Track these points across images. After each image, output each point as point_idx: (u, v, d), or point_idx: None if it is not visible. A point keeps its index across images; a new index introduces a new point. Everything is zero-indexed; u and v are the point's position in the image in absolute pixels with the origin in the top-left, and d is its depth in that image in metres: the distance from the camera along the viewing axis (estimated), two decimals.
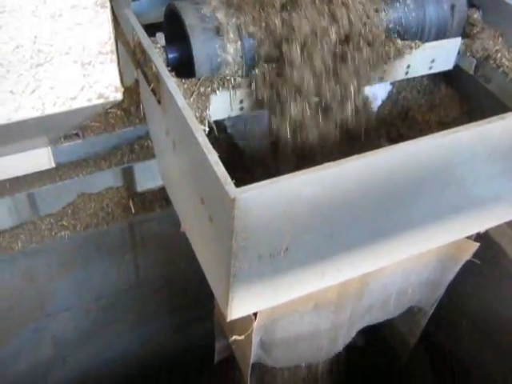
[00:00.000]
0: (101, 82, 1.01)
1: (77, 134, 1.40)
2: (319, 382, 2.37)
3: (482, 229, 1.27)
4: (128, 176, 1.60)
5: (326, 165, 0.86)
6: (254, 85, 1.13)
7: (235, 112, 1.18)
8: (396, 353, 1.92)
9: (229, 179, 0.82)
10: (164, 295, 1.96)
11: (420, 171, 0.98)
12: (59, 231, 1.56)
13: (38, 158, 1.23)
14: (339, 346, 1.58)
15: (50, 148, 1.26)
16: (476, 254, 1.49)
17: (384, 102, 1.51)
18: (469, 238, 1.42)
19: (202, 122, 1.08)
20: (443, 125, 1.47)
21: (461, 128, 0.97)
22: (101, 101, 1.03)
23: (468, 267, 1.54)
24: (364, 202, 0.96)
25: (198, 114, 1.08)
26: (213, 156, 0.85)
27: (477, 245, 1.44)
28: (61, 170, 1.50)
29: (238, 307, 1.00)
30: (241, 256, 0.90)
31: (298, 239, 0.94)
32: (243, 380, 1.56)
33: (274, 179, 0.83)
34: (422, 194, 1.04)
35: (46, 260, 1.62)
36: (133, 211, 1.61)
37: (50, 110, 0.98)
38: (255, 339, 1.36)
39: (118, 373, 2.17)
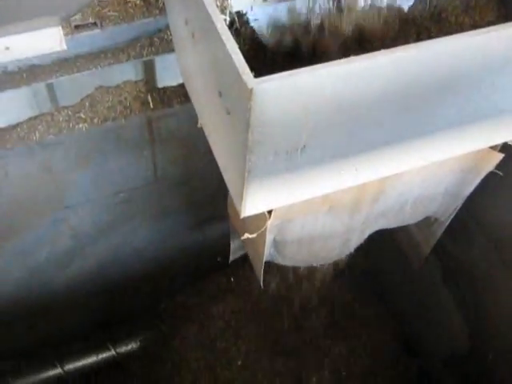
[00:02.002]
0: None
1: (95, 24, 1.36)
2: (330, 285, 2.43)
3: (508, 139, 1.23)
4: (148, 70, 1.56)
5: (351, 59, 0.82)
6: None
7: (258, 2, 1.12)
8: (409, 260, 1.93)
9: (247, 69, 0.79)
10: (181, 193, 1.97)
11: (449, 72, 0.93)
12: (77, 124, 1.54)
13: (49, 39, 1.20)
14: (351, 248, 1.60)
15: (60, 28, 1.22)
16: (499, 166, 1.46)
17: (416, 2, 1.43)
18: (493, 148, 1.38)
19: (222, 11, 1.04)
20: (477, 28, 1.39)
21: (494, 28, 0.91)
22: None
23: (489, 180, 1.51)
24: (388, 102, 0.93)
25: (218, 3, 1.03)
26: (231, 44, 0.82)
27: (501, 156, 1.40)
28: (78, 61, 1.47)
29: (252, 204, 0.99)
30: (256, 151, 0.88)
31: (316, 137, 0.91)
32: (256, 278, 1.60)
33: (295, 71, 0.79)
34: (448, 98, 1.00)
35: (64, 152, 1.62)
36: (151, 106, 1.58)
37: None
38: (269, 238, 1.37)
39: (134, 268, 2.23)
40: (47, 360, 2.36)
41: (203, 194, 2.01)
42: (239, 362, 2.36)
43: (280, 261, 1.55)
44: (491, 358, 1.96)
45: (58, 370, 2.32)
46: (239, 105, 0.84)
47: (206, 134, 1.16)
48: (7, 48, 1.21)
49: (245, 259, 2.47)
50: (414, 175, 1.37)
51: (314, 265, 1.64)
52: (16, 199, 1.68)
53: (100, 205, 1.84)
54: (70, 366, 2.34)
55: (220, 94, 0.94)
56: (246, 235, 1.24)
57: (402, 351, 2.47)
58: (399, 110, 0.96)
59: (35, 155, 1.59)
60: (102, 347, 2.39)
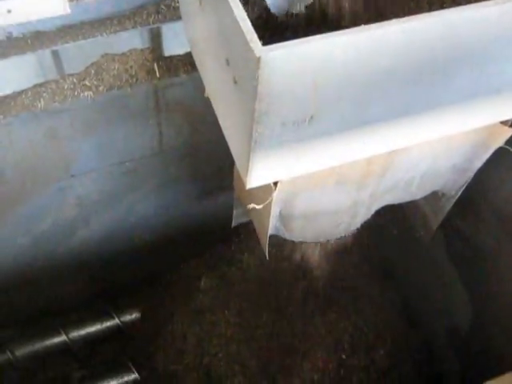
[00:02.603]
0: None
1: None
2: (335, 260, 2.43)
3: None
4: (155, 38, 1.54)
5: (363, 27, 0.80)
6: None
7: None
8: (417, 234, 1.92)
9: (255, 37, 0.77)
10: (187, 163, 1.96)
11: (462, 43, 0.91)
12: (82, 91, 1.53)
13: (52, 2, 1.18)
14: (357, 223, 1.59)
15: None
16: (509, 142, 1.44)
17: None
18: (503, 123, 1.36)
19: None
20: None
21: None
22: None
23: (499, 155, 1.49)
24: (399, 73, 0.91)
25: None
26: (239, 11, 0.80)
27: (511, 131, 1.38)
28: (83, 28, 1.45)
29: (257, 175, 0.98)
30: (263, 121, 0.86)
31: (324, 108, 0.90)
32: (262, 250, 1.59)
33: (304, 39, 0.77)
34: (461, 70, 0.97)
35: (69, 120, 1.61)
36: (157, 75, 1.56)
37: None
38: (275, 212, 1.36)
39: (139, 237, 2.23)
40: (52, 327, 2.38)
41: (209, 164, 2.00)
42: (241, 336, 2.37)
43: (286, 235, 1.54)
44: (493, 334, 1.96)
45: (62, 338, 2.34)
46: (246, 74, 0.82)
47: (213, 103, 1.15)
48: (9, 11, 1.19)
49: (249, 231, 2.48)
50: (422, 149, 1.35)
51: (321, 240, 1.63)
52: (21, 166, 1.68)
53: (105, 174, 1.84)
54: (75, 334, 2.35)
55: (227, 63, 0.93)
56: (252, 205, 1.23)
57: (406, 326, 2.47)
58: (410, 82, 0.94)
59: (40, 123, 1.58)
60: (106, 316, 2.40)
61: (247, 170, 0.96)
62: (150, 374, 2.33)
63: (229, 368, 2.31)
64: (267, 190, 1.16)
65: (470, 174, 1.57)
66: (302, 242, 1.97)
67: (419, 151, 1.35)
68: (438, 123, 1.10)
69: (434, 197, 1.68)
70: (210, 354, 2.34)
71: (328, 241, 1.91)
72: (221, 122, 1.10)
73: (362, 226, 1.63)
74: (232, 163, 1.17)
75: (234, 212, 1.73)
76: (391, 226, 2.35)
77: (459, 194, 1.65)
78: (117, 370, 2.33)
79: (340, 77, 0.86)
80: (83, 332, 2.38)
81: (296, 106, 0.87)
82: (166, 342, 2.39)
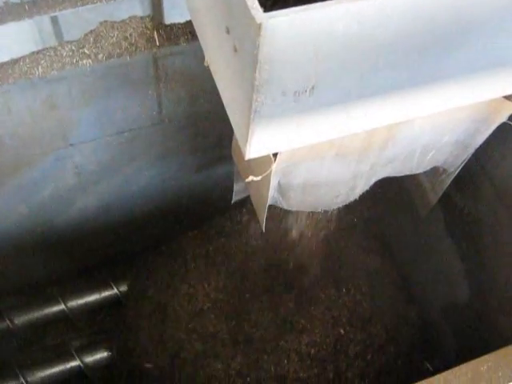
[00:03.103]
0: None
1: None
2: (336, 233, 2.43)
3: None
4: (155, 6, 1.51)
5: None
6: None
7: None
8: (415, 207, 1.92)
9: (256, 3, 0.75)
10: (186, 134, 1.94)
11: (470, 13, 0.89)
12: (80, 59, 1.51)
13: None
14: (356, 195, 1.58)
15: None
16: None
17: None
18: (507, 98, 1.34)
19: None
20: None
21: None
22: None
23: (500, 130, 1.48)
24: (403, 43, 0.89)
25: None
26: None
27: None
28: None
29: (257, 146, 0.97)
30: (263, 91, 0.85)
31: (326, 78, 0.88)
32: (259, 222, 1.59)
33: (306, 6, 0.76)
34: (468, 41, 0.95)
35: (68, 88, 1.59)
36: (157, 43, 1.54)
37: None
38: (273, 182, 1.35)
39: (137, 208, 2.23)
40: (51, 296, 2.40)
41: (209, 135, 1.98)
42: (236, 309, 2.38)
43: (284, 205, 1.53)
44: (490, 309, 1.97)
45: (61, 307, 2.36)
46: (247, 41, 0.81)
47: (213, 72, 1.13)
48: None
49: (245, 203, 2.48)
50: (424, 123, 1.34)
51: (319, 210, 1.63)
52: (19, 135, 1.66)
53: (104, 144, 1.82)
54: (73, 303, 2.37)
55: (227, 30, 0.91)
56: (251, 177, 1.22)
57: (403, 300, 2.49)
58: (414, 53, 0.93)
59: (38, 91, 1.57)
60: (104, 285, 2.42)
61: (246, 141, 0.95)
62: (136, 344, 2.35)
63: (220, 341, 2.32)
64: (266, 161, 1.15)
65: (472, 150, 1.56)
66: (299, 216, 1.97)
67: (421, 124, 1.33)
68: (440, 96, 1.09)
69: (434, 172, 1.67)
70: (202, 326, 2.35)
71: (326, 216, 1.91)
72: (221, 92, 1.08)
73: (361, 200, 1.63)
74: (232, 134, 1.16)
75: (235, 187, 1.72)
76: (390, 200, 2.35)
77: (459, 169, 1.65)
78: (112, 339, 2.36)
79: (342, 46, 0.84)
80: (82, 301, 2.40)
81: (297, 75, 0.85)
82: (153, 312, 2.39)
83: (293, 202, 1.52)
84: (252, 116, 0.89)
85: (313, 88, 0.88)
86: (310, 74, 0.86)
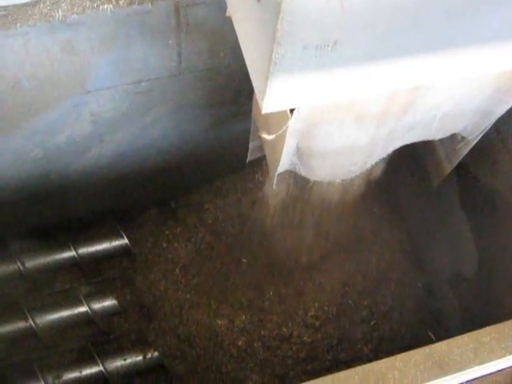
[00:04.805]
0: None
1: None
2: (347, 199, 2.42)
3: None
4: None
5: None
6: None
7: None
8: (429, 176, 1.90)
9: None
10: (205, 87, 1.92)
11: None
12: (101, 4, 1.48)
13: None
14: (372, 161, 1.57)
15: None
16: None
17: None
18: None
19: None
20: None
21: None
22: None
23: None
24: (432, 4, 0.87)
25: None
26: None
27: None
28: None
29: (274, 99, 0.96)
30: (285, 43, 0.83)
31: (349, 34, 0.86)
32: (269, 182, 1.58)
33: None
34: (500, 5, 0.93)
35: (87, 33, 1.57)
36: None
37: None
38: (292, 144, 1.33)
39: (151, 160, 2.23)
40: (62, 242, 2.42)
41: (227, 90, 1.96)
42: (244, 275, 2.39)
43: (302, 171, 1.52)
44: (497, 283, 1.97)
45: (72, 253, 2.39)
46: None
47: (234, 23, 1.11)
48: None
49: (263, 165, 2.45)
50: (446, 88, 1.31)
51: (336, 179, 1.61)
52: (37, 78, 1.65)
53: (121, 92, 1.81)
54: (84, 250, 2.40)
55: None
56: (266, 134, 1.21)
57: (411, 268, 2.49)
58: (442, 14, 0.90)
59: (57, 34, 1.55)
60: (115, 235, 2.44)
61: (264, 94, 0.94)
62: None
63: (225, 300, 2.34)
64: (283, 117, 1.13)
65: (493, 119, 1.53)
66: (310, 182, 1.95)
67: (443, 90, 1.31)
68: (464, 61, 1.06)
69: (452, 140, 1.65)
70: (205, 286, 2.36)
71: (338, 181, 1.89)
72: (241, 43, 1.07)
73: (373, 165, 1.61)
74: (250, 89, 1.15)
75: (251, 145, 1.71)
76: (403, 167, 2.32)
77: (478, 138, 1.62)
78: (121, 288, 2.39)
79: (368, 3, 0.82)
80: (92, 249, 2.42)
81: (320, 28, 0.83)
82: (161, 264, 2.42)
83: (311, 170, 1.51)
84: (271, 69, 0.87)
85: (335, 43, 0.87)
86: (334, 28, 0.84)
